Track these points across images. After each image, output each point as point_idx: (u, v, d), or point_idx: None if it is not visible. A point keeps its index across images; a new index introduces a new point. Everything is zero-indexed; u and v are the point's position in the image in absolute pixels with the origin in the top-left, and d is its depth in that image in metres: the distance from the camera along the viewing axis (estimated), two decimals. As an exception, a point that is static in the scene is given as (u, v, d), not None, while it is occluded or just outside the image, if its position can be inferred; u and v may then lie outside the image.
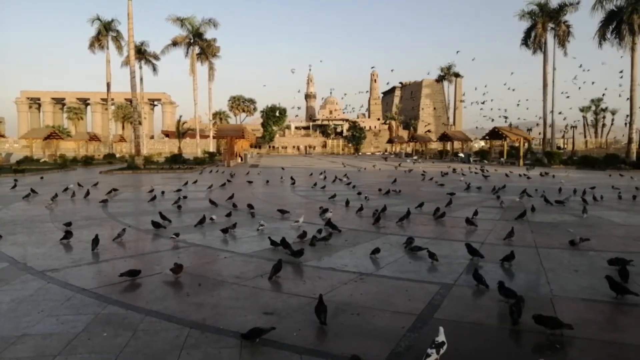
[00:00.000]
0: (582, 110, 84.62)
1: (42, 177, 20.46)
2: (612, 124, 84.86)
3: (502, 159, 39.83)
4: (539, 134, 47.68)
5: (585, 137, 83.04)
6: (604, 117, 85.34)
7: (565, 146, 63.00)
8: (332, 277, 5.54)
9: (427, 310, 4.47)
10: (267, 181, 19.38)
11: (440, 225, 9.19)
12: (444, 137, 54.13)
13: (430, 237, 7.93)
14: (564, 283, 5.32)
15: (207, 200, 12.21)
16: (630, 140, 35.13)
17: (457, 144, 54.97)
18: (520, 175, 23.00)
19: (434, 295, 4.89)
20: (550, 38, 41.43)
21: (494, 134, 41.20)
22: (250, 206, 10.73)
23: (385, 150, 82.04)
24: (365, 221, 9.29)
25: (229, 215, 9.59)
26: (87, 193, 13.74)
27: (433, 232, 8.54)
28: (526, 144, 42.37)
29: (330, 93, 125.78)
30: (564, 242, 7.48)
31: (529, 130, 57.82)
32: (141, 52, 46.78)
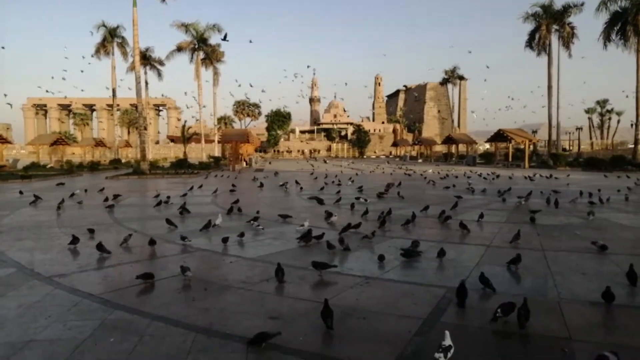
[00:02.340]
0: (587, 111, 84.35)
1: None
2: (617, 126, 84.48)
3: (506, 162, 39.71)
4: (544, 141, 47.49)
5: (590, 138, 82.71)
6: (609, 119, 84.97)
7: (571, 148, 62.76)
8: (338, 281, 5.53)
9: (434, 314, 4.45)
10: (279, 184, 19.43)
11: (446, 229, 9.15)
12: (448, 140, 54.01)
13: (436, 240, 7.90)
14: (571, 286, 5.29)
15: (213, 205, 12.25)
16: (636, 142, 34.98)
17: (462, 147, 54.82)
18: (525, 177, 22.91)
19: (440, 299, 4.87)
20: (554, 40, 41.36)
21: (499, 136, 41.07)
22: (255, 217, 10.73)
23: (390, 154, 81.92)
24: (370, 225, 9.26)
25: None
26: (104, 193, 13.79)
27: (439, 236, 8.52)
28: (531, 146, 42.19)
29: (335, 97, 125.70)
30: (571, 245, 7.44)
31: (535, 132, 57.62)
32: (146, 58, 47.07)
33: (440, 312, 4.52)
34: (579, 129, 63.77)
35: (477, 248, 7.29)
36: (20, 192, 16.03)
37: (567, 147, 62.39)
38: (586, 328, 4.15)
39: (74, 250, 7.19)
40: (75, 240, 7.34)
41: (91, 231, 8.48)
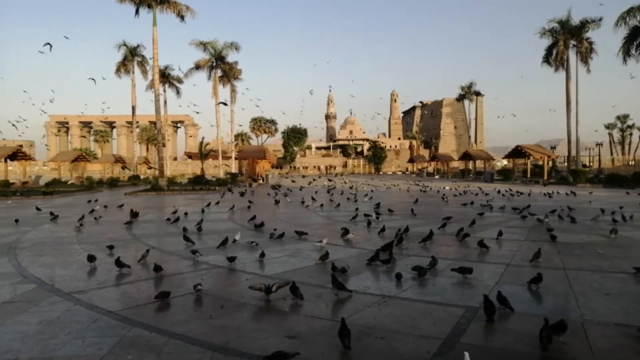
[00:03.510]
0: (607, 127, 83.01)
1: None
2: (639, 141, 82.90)
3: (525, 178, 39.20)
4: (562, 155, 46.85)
5: (611, 154, 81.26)
6: (630, 134, 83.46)
7: (591, 164, 61.72)
8: (355, 300, 5.48)
9: (453, 335, 4.37)
10: (288, 201, 19.46)
11: (464, 247, 9.04)
12: (465, 156, 53.63)
13: (454, 258, 7.80)
14: (595, 307, 5.16)
15: (230, 222, 12.30)
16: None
17: (479, 163, 54.35)
18: (544, 194, 22.58)
19: (460, 318, 4.79)
20: (572, 55, 41.01)
21: (517, 152, 40.65)
22: (273, 233, 10.76)
23: (407, 170, 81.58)
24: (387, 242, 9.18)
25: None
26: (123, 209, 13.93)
27: (457, 253, 8.40)
28: (550, 162, 41.66)
29: (350, 113, 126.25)
30: (594, 264, 7.28)
31: (553, 148, 56.92)
32: (165, 76, 47.91)
33: (460, 332, 4.45)
34: (599, 144, 62.64)
35: (497, 266, 7.18)
36: (38, 209, 16.28)
37: (588, 163, 61.34)
38: (612, 350, 4.03)
39: (93, 266, 7.26)
40: (92, 258, 7.39)
41: (110, 247, 8.58)
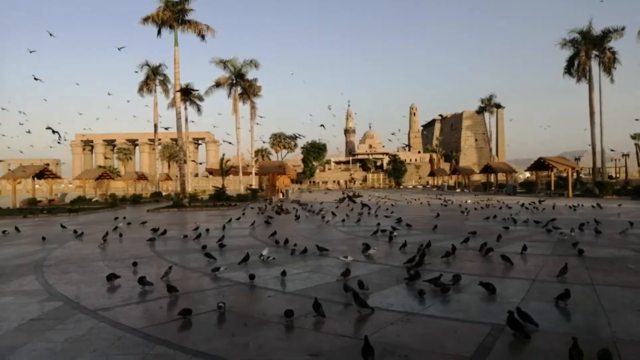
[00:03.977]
0: (633, 137, 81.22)
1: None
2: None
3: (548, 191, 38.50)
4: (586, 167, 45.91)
5: (638, 165, 79.32)
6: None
7: (618, 175, 60.33)
8: (378, 317, 5.42)
9: (479, 353, 4.28)
10: (307, 216, 19.47)
11: (488, 262, 8.88)
12: (487, 169, 53.02)
13: (477, 274, 7.66)
14: (627, 325, 4.99)
15: (251, 237, 12.35)
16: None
17: (501, 176, 53.66)
18: (570, 207, 22.11)
19: (485, 336, 4.69)
20: (595, 65, 40.44)
21: (540, 164, 40.03)
22: (287, 244, 10.75)
23: (427, 183, 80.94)
24: (409, 258, 9.09)
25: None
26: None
27: (480, 269, 8.26)
28: (574, 174, 40.86)
29: (370, 127, 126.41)
30: (624, 279, 7.07)
31: (577, 159, 55.87)
32: (186, 94, 48.80)
33: (486, 350, 4.35)
34: (626, 155, 61.21)
35: (522, 282, 7.02)
36: (63, 226, 16.65)
37: (614, 175, 59.95)
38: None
39: (116, 284, 7.35)
40: (114, 276, 7.45)
41: (134, 264, 8.70)
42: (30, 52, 32.98)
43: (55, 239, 13.47)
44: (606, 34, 39.13)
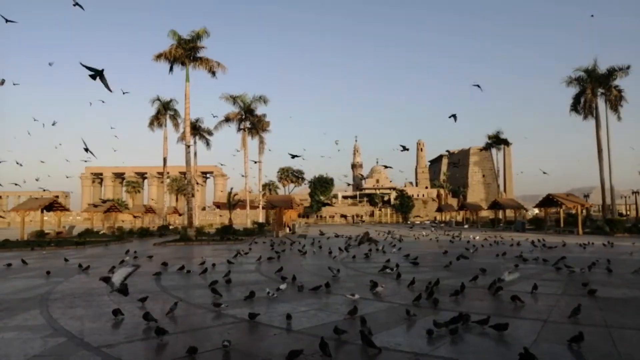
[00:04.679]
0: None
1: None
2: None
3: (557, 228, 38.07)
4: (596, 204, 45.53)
5: (649, 202, 78.50)
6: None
7: (628, 213, 59.66)
8: (385, 357, 5.30)
9: (491, 398, 4.15)
10: (314, 252, 19.34)
11: (498, 301, 8.71)
12: (495, 205, 52.70)
13: (486, 313, 7.50)
14: (643, 369, 4.84)
15: (257, 273, 12.24)
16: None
17: (509, 212, 53.25)
18: (580, 245, 21.80)
19: (497, 380, 4.56)
20: (601, 103, 40.65)
21: (548, 201, 39.74)
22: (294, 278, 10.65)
23: (435, 219, 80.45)
24: (416, 296, 8.95)
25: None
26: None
27: (489, 308, 8.10)
28: (584, 211, 40.43)
29: (377, 162, 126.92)
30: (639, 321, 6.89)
31: (586, 196, 55.45)
32: (196, 128, 49.54)
33: (498, 395, 4.21)
34: (635, 192, 60.67)
35: (533, 323, 6.86)
36: (66, 260, 16.55)
37: (624, 212, 59.27)
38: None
39: (121, 319, 7.27)
40: (119, 312, 7.37)
41: (143, 300, 8.57)
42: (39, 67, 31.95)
43: (61, 272, 13.43)
44: (611, 72, 39.48)
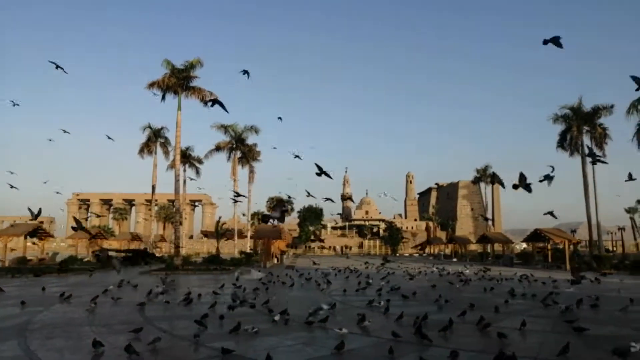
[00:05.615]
0: (628, 211, 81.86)
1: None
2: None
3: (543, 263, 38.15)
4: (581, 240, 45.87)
5: (635, 239, 79.32)
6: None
7: (615, 249, 60.07)
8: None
9: None
10: (302, 284, 19.12)
11: (486, 337, 8.62)
12: (483, 239, 52.81)
13: (475, 349, 7.43)
14: (631, 411, 4.78)
15: (247, 306, 12.01)
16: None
17: (497, 246, 53.35)
18: (568, 280, 21.76)
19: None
20: (587, 140, 41.46)
21: (536, 236, 39.93)
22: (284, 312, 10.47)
23: (423, 252, 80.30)
24: (406, 330, 8.85)
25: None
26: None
27: (478, 344, 8.01)
28: (571, 247, 40.62)
29: (366, 193, 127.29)
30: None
31: (573, 231, 55.80)
32: (186, 157, 49.52)
33: None
34: (622, 229, 61.31)
35: (522, 361, 6.78)
36: (43, 289, 15.95)
37: (611, 248, 59.66)
38: None
39: (102, 351, 7.07)
40: (99, 344, 7.12)
41: (137, 331, 8.27)
42: (14, 104, 29.41)
43: (42, 301, 13.07)
44: (596, 111, 40.41)
